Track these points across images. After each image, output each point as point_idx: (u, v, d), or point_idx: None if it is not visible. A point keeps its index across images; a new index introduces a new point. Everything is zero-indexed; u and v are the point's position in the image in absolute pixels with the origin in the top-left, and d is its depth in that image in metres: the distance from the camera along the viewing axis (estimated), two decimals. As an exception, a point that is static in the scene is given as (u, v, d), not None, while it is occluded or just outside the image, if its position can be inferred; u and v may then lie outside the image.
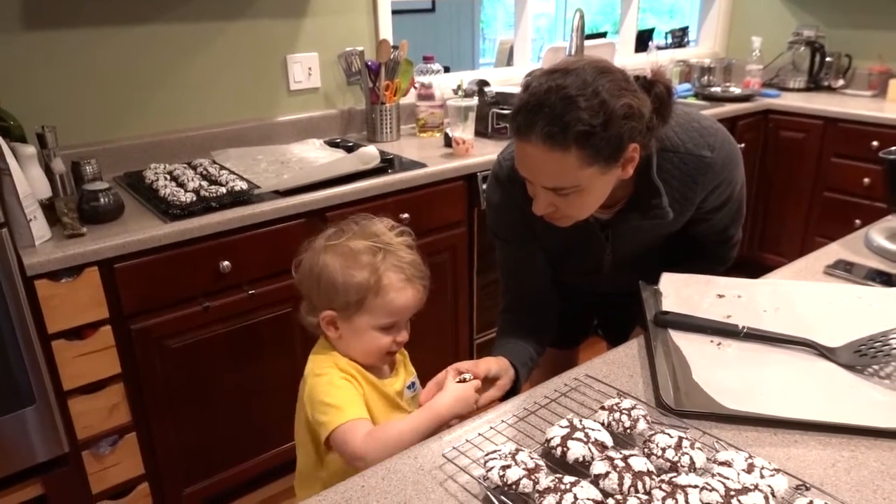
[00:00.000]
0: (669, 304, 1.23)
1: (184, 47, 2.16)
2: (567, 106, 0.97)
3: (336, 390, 1.05)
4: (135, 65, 2.09)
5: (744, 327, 1.13)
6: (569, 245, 1.33)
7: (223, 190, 1.81)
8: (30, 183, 1.58)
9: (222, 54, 2.24)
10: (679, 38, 3.96)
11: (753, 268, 3.48)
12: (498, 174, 1.27)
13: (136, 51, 2.08)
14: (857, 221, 2.95)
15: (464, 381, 1.08)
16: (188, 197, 1.76)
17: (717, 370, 1.04)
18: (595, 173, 1.03)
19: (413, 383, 1.21)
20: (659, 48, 3.54)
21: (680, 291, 1.28)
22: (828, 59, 3.37)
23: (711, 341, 1.13)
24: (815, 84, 3.40)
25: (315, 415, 1.05)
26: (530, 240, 1.31)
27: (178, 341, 1.74)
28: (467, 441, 0.92)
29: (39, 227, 1.56)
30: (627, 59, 3.50)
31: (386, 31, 2.57)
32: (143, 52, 2.09)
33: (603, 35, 4.41)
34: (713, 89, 3.31)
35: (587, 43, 3.06)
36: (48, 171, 1.77)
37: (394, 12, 2.60)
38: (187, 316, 1.73)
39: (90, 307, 1.58)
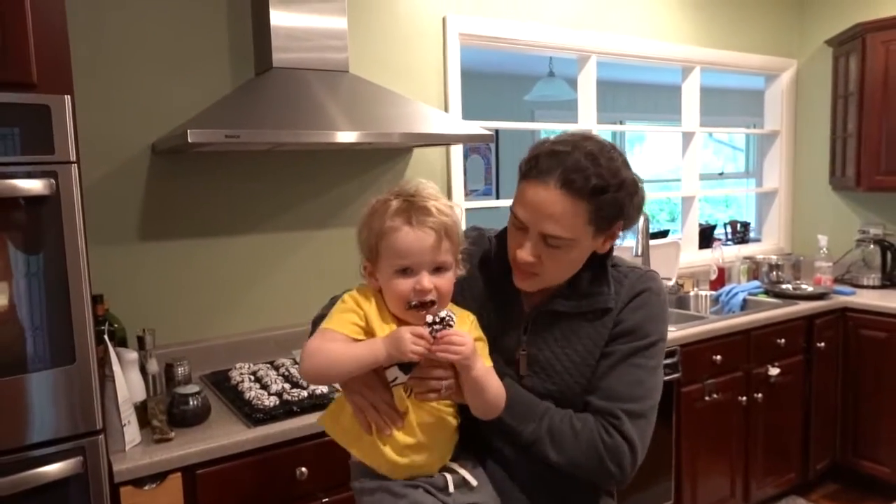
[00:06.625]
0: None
1: (274, 254, 2.34)
2: (590, 161, 1.08)
3: (339, 303, 1.13)
4: (228, 270, 2.26)
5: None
6: (489, 328, 1.20)
7: (304, 393, 1.85)
8: (128, 387, 1.66)
9: (309, 259, 2.40)
10: (741, 234, 4.04)
11: (850, 477, 3.22)
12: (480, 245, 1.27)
13: (231, 257, 2.26)
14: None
15: (434, 322, 1.03)
16: (272, 401, 1.80)
17: None
18: (589, 233, 1.11)
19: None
20: (723, 244, 3.60)
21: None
22: (899, 256, 3.35)
23: None
24: (890, 281, 3.35)
25: None
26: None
27: (248, 553, 1.68)
28: None
29: (131, 432, 1.61)
30: (694, 257, 3.57)
31: (460, 235, 2.73)
32: (236, 259, 2.27)
33: (665, 234, 4.54)
34: (784, 286, 3.29)
35: (652, 242, 3.16)
36: (142, 371, 1.85)
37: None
38: (260, 526, 1.69)
39: (168, 516, 1.57)
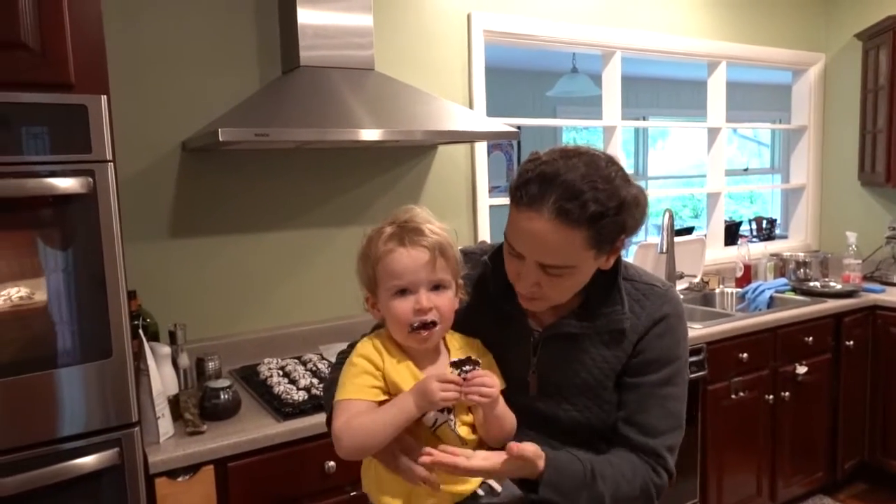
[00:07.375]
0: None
1: (301, 250, 2.37)
2: (585, 184, 0.99)
3: (349, 367, 1.10)
4: (256, 266, 2.29)
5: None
6: (493, 350, 1.19)
7: (333, 388, 1.87)
8: (162, 380, 1.69)
9: (335, 256, 2.43)
10: (767, 230, 3.99)
11: (879, 476, 3.17)
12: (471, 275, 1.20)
13: (259, 254, 2.30)
14: None
15: (462, 363, 1.04)
16: (300, 395, 1.82)
17: None
18: (590, 256, 1.05)
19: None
20: (749, 241, 3.57)
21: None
22: (931, 253, 3.29)
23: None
24: (921, 278, 3.30)
25: None
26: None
27: (278, 545, 1.71)
28: None
29: (165, 425, 1.64)
30: (719, 253, 3.54)
31: (484, 233, 2.74)
32: (264, 255, 2.31)
33: (690, 231, 4.50)
34: (812, 284, 3.25)
35: (677, 239, 3.14)
36: (174, 365, 1.89)
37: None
38: (289, 518, 1.72)
39: (201, 507, 1.61)
